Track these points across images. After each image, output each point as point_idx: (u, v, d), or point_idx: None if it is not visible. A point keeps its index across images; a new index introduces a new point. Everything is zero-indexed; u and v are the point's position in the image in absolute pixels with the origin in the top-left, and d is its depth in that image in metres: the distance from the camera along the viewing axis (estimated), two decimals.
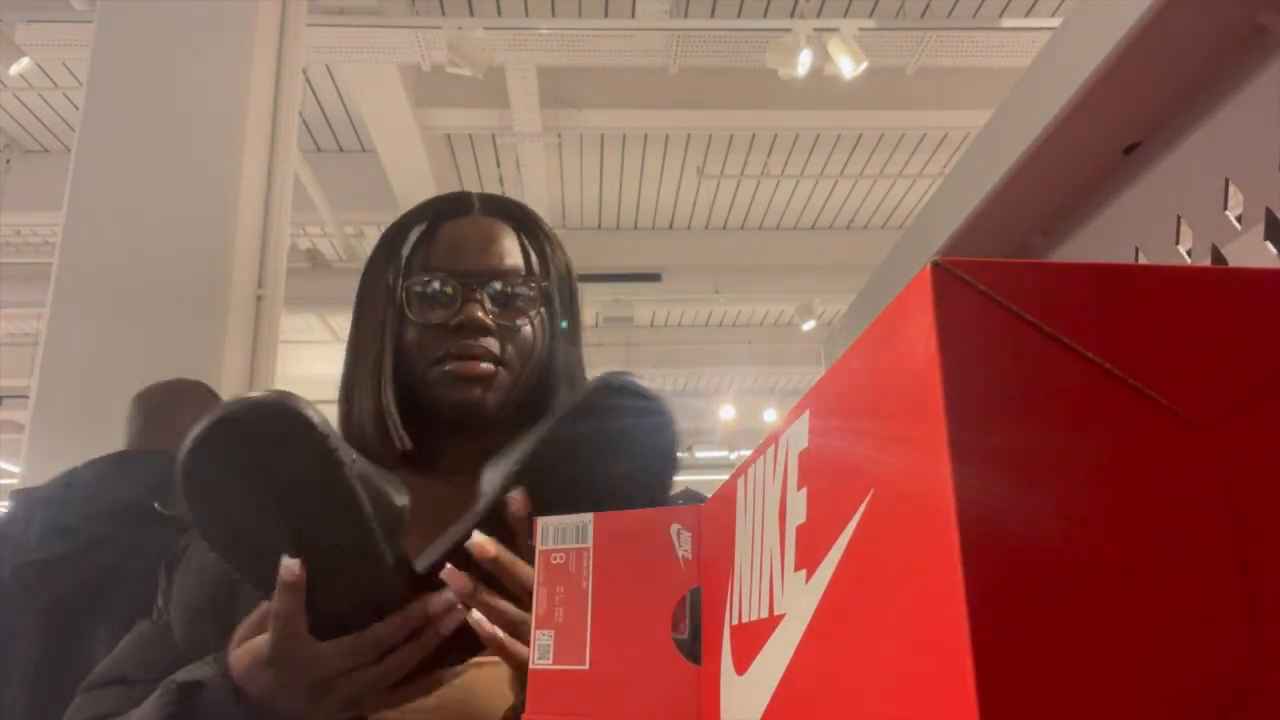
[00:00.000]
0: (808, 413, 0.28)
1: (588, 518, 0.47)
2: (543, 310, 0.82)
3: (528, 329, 0.81)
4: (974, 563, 0.18)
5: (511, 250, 0.83)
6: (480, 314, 0.78)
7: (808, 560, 0.26)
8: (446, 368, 0.78)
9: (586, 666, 0.43)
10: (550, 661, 0.44)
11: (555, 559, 0.46)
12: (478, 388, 0.78)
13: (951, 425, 0.18)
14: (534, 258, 0.84)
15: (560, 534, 0.47)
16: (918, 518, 0.20)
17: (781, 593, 0.28)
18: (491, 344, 0.78)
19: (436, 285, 0.80)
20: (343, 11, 4.37)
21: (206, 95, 2.96)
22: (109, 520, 1.53)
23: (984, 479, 0.18)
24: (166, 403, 1.75)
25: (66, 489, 1.58)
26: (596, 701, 0.43)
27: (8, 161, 5.68)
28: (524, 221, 0.86)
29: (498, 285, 0.80)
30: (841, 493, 0.24)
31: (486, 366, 0.78)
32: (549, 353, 0.83)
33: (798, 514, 0.27)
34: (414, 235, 0.84)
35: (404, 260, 0.82)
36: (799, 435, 0.29)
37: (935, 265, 0.20)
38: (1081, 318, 0.20)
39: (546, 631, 0.45)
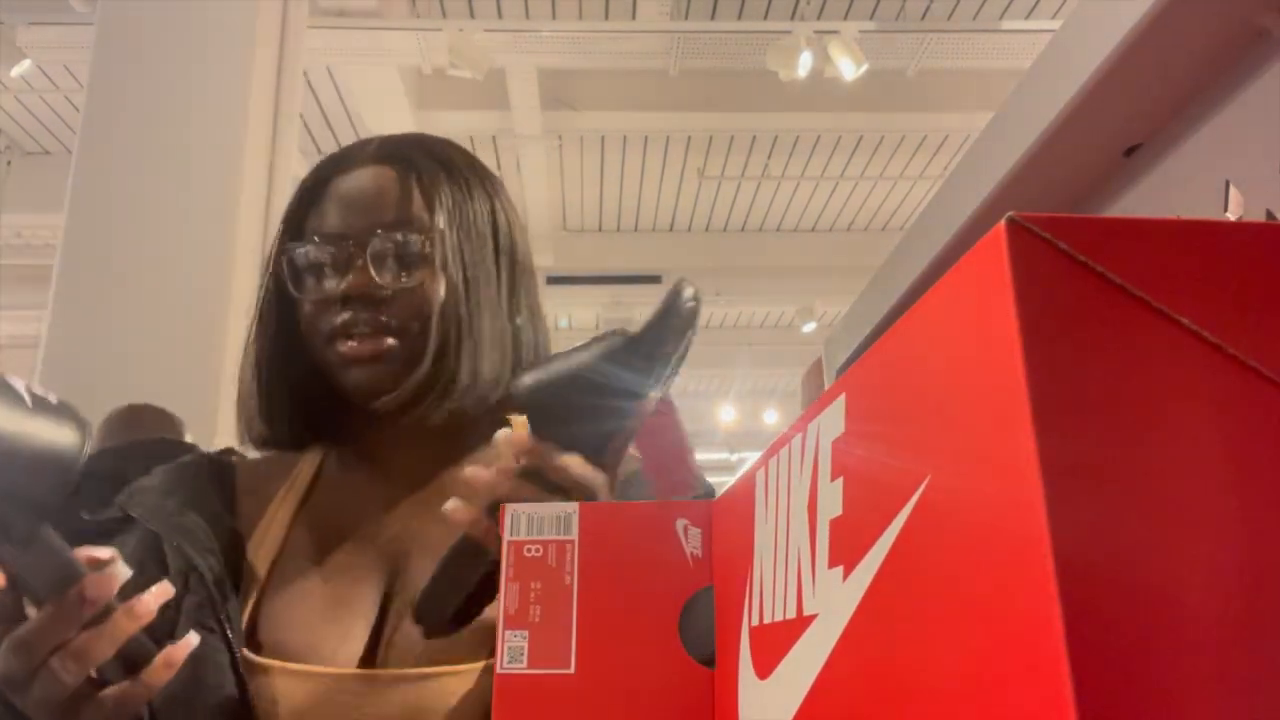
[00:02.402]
0: (844, 396, 0.26)
1: (570, 507, 0.43)
2: (444, 262, 0.71)
3: (426, 286, 0.70)
4: (1068, 565, 0.16)
5: (399, 198, 0.71)
6: (363, 281, 0.68)
7: (845, 556, 0.24)
8: (338, 348, 0.69)
9: (571, 670, 0.39)
10: (524, 665, 0.40)
11: (529, 551, 0.42)
12: (375, 367, 0.68)
13: (1036, 405, 0.16)
14: (423, 200, 0.72)
15: (535, 524, 0.43)
16: (990, 510, 0.17)
17: (812, 592, 0.26)
18: (382, 313, 0.68)
19: (312, 252, 0.70)
20: (343, 14, 4.37)
21: (207, 97, 2.95)
22: None
23: (1075, 469, 0.16)
24: (120, 427, 1.93)
25: None
26: (583, 708, 0.39)
27: (8, 163, 5.68)
28: (417, 161, 0.73)
29: (379, 243, 0.69)
30: (887, 482, 0.21)
31: (381, 343, 0.68)
32: (449, 310, 0.71)
33: (832, 506, 0.25)
34: (300, 197, 0.74)
35: (285, 226, 0.74)
36: (833, 421, 0.26)
37: (1010, 221, 0.17)
38: (1176, 281, 0.18)
39: (519, 632, 0.41)
